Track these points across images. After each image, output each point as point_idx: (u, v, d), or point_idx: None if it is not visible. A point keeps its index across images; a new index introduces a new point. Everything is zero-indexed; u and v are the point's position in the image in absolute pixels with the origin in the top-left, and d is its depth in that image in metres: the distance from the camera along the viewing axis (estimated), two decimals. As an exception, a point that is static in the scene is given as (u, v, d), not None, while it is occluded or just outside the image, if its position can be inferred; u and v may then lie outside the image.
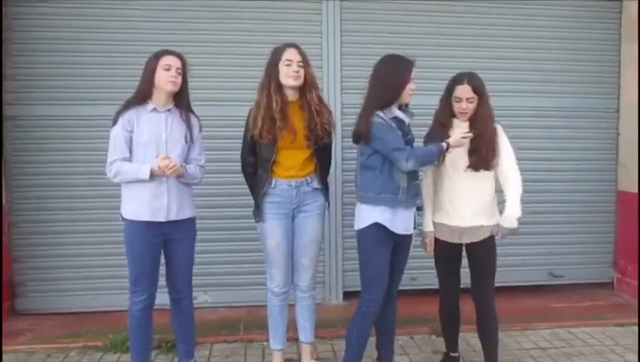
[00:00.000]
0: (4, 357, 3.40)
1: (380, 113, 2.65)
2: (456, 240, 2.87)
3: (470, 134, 2.70)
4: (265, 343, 3.42)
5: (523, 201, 4.38)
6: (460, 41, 4.40)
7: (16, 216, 4.08)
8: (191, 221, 2.89)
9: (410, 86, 2.70)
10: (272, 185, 2.89)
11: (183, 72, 2.77)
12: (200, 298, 4.11)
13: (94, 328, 3.76)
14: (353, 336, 2.79)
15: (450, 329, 3.10)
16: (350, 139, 2.83)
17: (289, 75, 2.80)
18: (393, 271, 2.81)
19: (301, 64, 2.82)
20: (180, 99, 2.80)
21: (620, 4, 4.57)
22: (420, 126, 2.96)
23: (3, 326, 3.79)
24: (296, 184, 2.90)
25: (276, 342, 3.09)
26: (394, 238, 2.73)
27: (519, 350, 3.51)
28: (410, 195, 2.73)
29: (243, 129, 2.95)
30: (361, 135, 2.68)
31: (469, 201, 2.80)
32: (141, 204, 2.71)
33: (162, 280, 2.88)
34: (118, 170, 2.70)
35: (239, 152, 3.01)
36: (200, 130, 2.91)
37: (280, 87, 2.83)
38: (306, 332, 3.11)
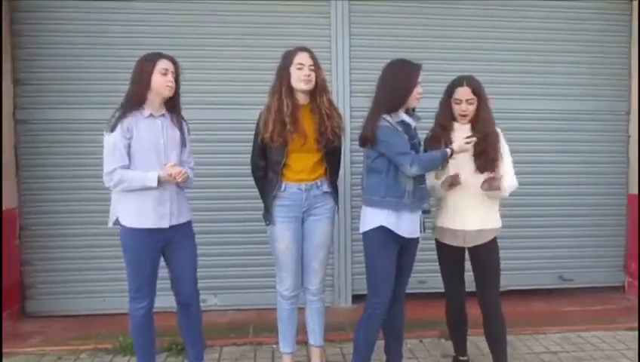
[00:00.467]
0: (15, 358, 3.42)
1: (387, 117, 2.65)
2: (460, 244, 2.86)
3: (474, 138, 2.69)
4: (274, 346, 3.43)
5: (532, 204, 4.43)
6: (468, 43, 4.39)
7: (26, 219, 4.11)
8: (188, 224, 2.88)
9: (418, 90, 2.70)
10: (282, 189, 2.89)
11: (177, 77, 2.75)
12: (209, 301, 4.12)
13: (104, 330, 3.78)
14: (360, 339, 2.79)
15: (457, 333, 3.10)
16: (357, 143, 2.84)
17: (300, 79, 2.80)
18: (400, 274, 2.81)
19: (312, 68, 2.82)
20: (173, 104, 2.79)
21: (630, 5, 4.54)
22: (425, 129, 2.96)
23: (14, 329, 3.83)
24: (306, 187, 2.90)
25: (286, 345, 3.09)
26: (400, 241, 2.72)
27: (530, 354, 3.49)
28: (417, 199, 2.72)
29: (253, 132, 2.95)
30: (367, 138, 2.68)
31: (472, 205, 2.80)
32: (144, 211, 2.68)
33: (167, 283, 2.87)
34: (121, 179, 2.64)
35: (249, 155, 3.01)
36: (189, 133, 2.90)
37: (291, 90, 2.84)
38: (315, 336, 3.10)
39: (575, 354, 3.50)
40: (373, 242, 2.73)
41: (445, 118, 2.85)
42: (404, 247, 2.77)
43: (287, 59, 2.84)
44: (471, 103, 2.78)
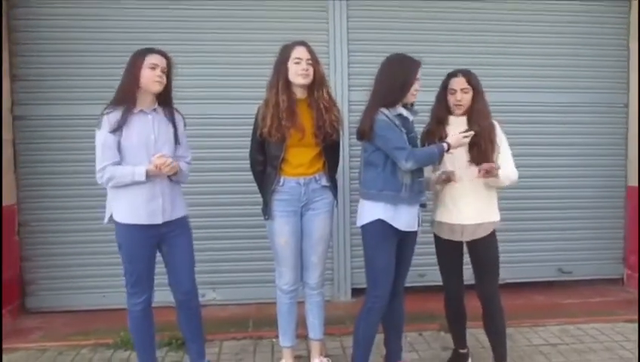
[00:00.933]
0: (16, 354, 3.43)
1: (384, 111, 2.65)
2: (458, 238, 2.87)
3: (471, 132, 2.69)
4: (274, 340, 3.44)
5: (531, 197, 4.43)
6: (466, 36, 4.38)
7: (26, 215, 4.11)
8: (184, 219, 2.86)
9: (415, 86, 2.70)
10: (281, 183, 2.89)
11: (168, 72, 2.73)
12: (209, 295, 4.13)
13: (105, 326, 3.78)
14: (360, 333, 2.80)
15: (456, 326, 3.10)
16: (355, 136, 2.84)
17: (298, 74, 2.80)
18: (399, 267, 2.81)
19: (310, 62, 2.81)
20: (164, 99, 2.76)
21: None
22: (423, 123, 2.96)
23: (14, 325, 3.84)
24: (305, 181, 2.90)
25: (286, 339, 3.10)
26: (398, 234, 2.73)
27: (529, 346, 3.50)
28: (414, 193, 2.72)
29: (252, 127, 2.95)
30: (365, 132, 2.68)
31: (470, 199, 2.79)
32: (136, 207, 2.67)
33: (166, 278, 2.87)
34: (111, 175, 2.63)
35: (248, 150, 3.01)
36: (184, 127, 2.88)
37: (289, 85, 2.83)
38: (315, 329, 3.11)
39: (574, 346, 3.51)
40: (372, 235, 2.73)
41: (441, 111, 2.85)
42: (403, 240, 2.77)
43: (284, 54, 2.83)
44: (466, 92, 2.78)
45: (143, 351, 2.86)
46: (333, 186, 3.03)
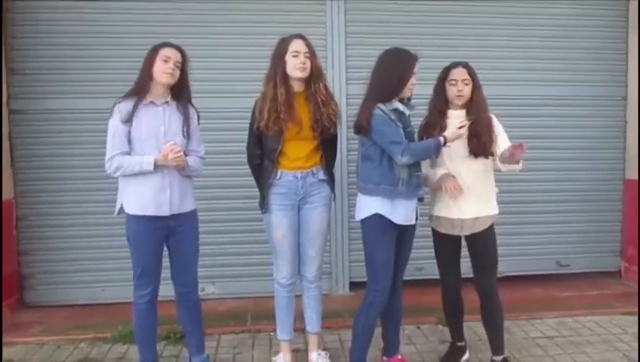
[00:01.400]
0: (15, 348, 3.43)
1: (381, 105, 2.64)
2: (457, 233, 2.86)
3: (466, 122, 2.67)
4: (272, 333, 3.44)
5: (529, 190, 4.43)
6: (464, 30, 4.37)
7: (23, 210, 4.10)
8: (192, 213, 2.87)
9: (412, 81, 2.69)
10: (278, 177, 2.89)
11: (183, 66, 2.74)
12: (207, 289, 4.14)
13: (103, 320, 3.79)
14: (359, 327, 2.80)
15: (454, 319, 3.10)
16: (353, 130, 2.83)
17: (296, 67, 2.78)
18: (398, 261, 2.81)
19: (308, 55, 2.80)
20: (179, 92, 2.77)
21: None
22: (420, 117, 2.94)
23: (13, 319, 3.84)
24: (302, 175, 2.90)
25: (283, 332, 3.10)
26: (396, 228, 2.73)
27: (526, 339, 3.51)
28: (412, 187, 2.72)
29: (249, 120, 2.94)
30: (362, 126, 2.68)
31: (469, 192, 2.77)
32: (144, 199, 2.69)
33: (168, 272, 2.88)
34: (119, 164, 2.66)
35: (245, 144, 3.00)
36: (198, 122, 2.89)
37: (286, 78, 2.82)
38: (312, 323, 3.12)
39: (571, 338, 3.52)
40: (370, 230, 2.73)
41: (440, 103, 2.84)
42: (402, 234, 2.77)
43: (282, 47, 2.82)
44: (467, 84, 2.77)
45: (145, 345, 2.87)
46: (331, 180, 3.03)
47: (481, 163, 2.79)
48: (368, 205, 2.71)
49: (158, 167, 2.66)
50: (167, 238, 2.81)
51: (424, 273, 4.16)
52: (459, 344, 3.14)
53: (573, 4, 4.50)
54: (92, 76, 4.06)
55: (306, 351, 3.23)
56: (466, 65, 2.81)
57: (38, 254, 4.15)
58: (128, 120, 2.65)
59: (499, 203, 2.91)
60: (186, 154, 2.78)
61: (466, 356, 3.16)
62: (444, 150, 2.73)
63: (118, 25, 4.07)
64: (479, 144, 2.74)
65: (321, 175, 2.95)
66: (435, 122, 2.82)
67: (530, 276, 4.55)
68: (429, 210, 2.95)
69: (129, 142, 2.67)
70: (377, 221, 2.69)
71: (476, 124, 2.72)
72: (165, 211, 2.72)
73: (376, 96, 2.66)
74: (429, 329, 3.68)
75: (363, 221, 2.75)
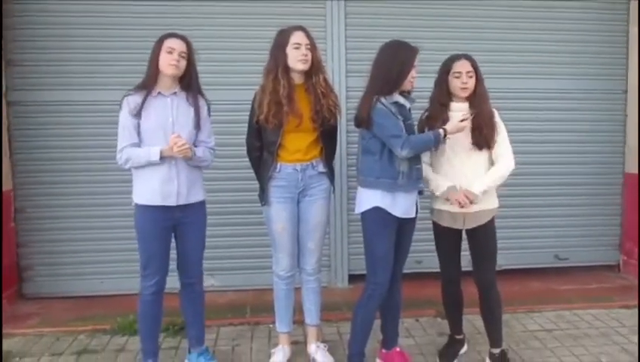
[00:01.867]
0: (14, 340, 3.44)
1: (382, 98, 2.63)
2: (459, 226, 2.85)
3: (468, 115, 2.68)
4: (271, 326, 3.45)
5: (528, 183, 4.41)
6: (464, 22, 4.35)
7: (21, 202, 4.10)
8: (201, 204, 2.87)
9: (413, 74, 2.68)
10: (277, 169, 2.88)
11: (189, 55, 2.73)
12: (207, 281, 4.09)
13: (102, 312, 3.80)
14: (359, 319, 2.80)
15: (453, 312, 3.11)
16: (353, 123, 2.82)
17: (298, 59, 2.77)
18: (398, 254, 2.81)
19: (309, 47, 2.79)
20: (187, 83, 2.77)
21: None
22: (420, 110, 2.93)
23: (11, 310, 3.85)
24: (302, 168, 2.89)
25: (282, 324, 3.11)
26: (397, 221, 2.72)
27: (524, 332, 3.52)
28: (413, 180, 2.72)
29: (248, 113, 2.93)
30: (362, 119, 2.67)
31: (470, 185, 2.76)
32: (152, 189, 2.70)
33: (172, 264, 2.88)
34: (128, 156, 2.68)
35: (244, 136, 2.99)
36: (209, 113, 2.88)
37: (287, 70, 2.80)
38: (311, 315, 3.13)
39: (569, 331, 3.53)
40: (371, 223, 2.73)
41: (443, 96, 2.81)
42: (402, 227, 2.77)
43: (282, 39, 2.80)
44: (470, 76, 2.76)
45: (147, 336, 2.87)
46: (330, 172, 3.03)
47: (483, 155, 2.79)
48: (369, 198, 2.71)
49: (164, 158, 2.66)
50: (174, 229, 2.81)
51: (423, 266, 4.17)
52: (457, 337, 3.15)
53: (573, -2, 4.49)
54: (91, 68, 4.05)
55: (305, 343, 3.23)
56: (469, 58, 2.79)
57: (36, 246, 4.15)
58: (137, 114, 2.66)
59: (498, 196, 2.91)
60: (195, 145, 2.78)
61: (464, 349, 3.18)
62: (449, 142, 2.72)
63: (117, 16, 4.05)
64: (482, 136, 2.74)
65: (321, 167, 2.94)
66: (437, 115, 2.80)
67: (528, 269, 4.56)
68: (430, 203, 2.95)
69: (139, 133, 2.69)
70: (377, 214, 2.68)
71: (479, 116, 2.72)
72: (172, 201, 2.72)
73: (376, 89, 2.65)
74: (428, 321, 3.69)
75: (363, 214, 2.75)
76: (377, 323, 2.96)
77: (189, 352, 3.05)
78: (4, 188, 3.91)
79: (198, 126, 2.79)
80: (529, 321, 3.69)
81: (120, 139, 2.71)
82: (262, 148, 2.93)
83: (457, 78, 2.76)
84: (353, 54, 4.21)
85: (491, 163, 2.84)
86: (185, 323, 3.07)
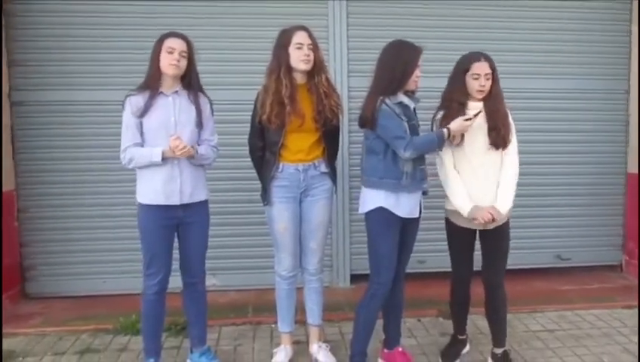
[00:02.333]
0: (16, 339, 3.45)
1: (386, 99, 2.63)
2: (477, 227, 2.79)
3: (472, 116, 2.65)
4: (273, 326, 3.45)
5: (530, 183, 4.41)
6: (469, 22, 4.34)
7: (25, 202, 4.10)
8: (204, 204, 2.88)
9: (417, 73, 2.67)
10: (280, 169, 2.89)
11: (189, 54, 2.74)
12: (209, 281, 4.09)
13: (104, 311, 3.80)
14: (361, 319, 2.80)
15: (459, 314, 3.09)
16: (357, 123, 2.82)
17: (300, 59, 2.77)
18: (401, 254, 2.81)
19: (311, 47, 2.79)
20: (188, 81, 2.77)
21: (631, -17, 4.50)
22: (426, 110, 2.92)
23: (14, 310, 3.86)
24: (304, 168, 2.89)
25: (284, 324, 3.11)
26: (400, 221, 2.72)
27: (527, 332, 3.52)
28: (416, 180, 2.72)
29: (250, 113, 2.93)
30: (366, 120, 2.67)
31: (491, 187, 2.74)
32: (155, 188, 2.71)
33: (175, 264, 2.89)
34: (131, 156, 2.69)
35: (247, 136, 3.00)
36: (211, 111, 2.89)
37: (290, 70, 2.80)
38: (313, 315, 3.13)
39: (572, 331, 3.53)
40: (374, 223, 2.73)
41: (462, 94, 2.74)
42: (405, 227, 2.77)
43: (284, 39, 2.80)
44: (488, 78, 2.71)
45: (149, 335, 2.88)
46: (333, 173, 3.03)
47: (499, 155, 2.75)
48: (372, 198, 2.71)
49: (166, 158, 2.67)
50: (177, 228, 2.82)
51: (426, 266, 4.17)
52: (460, 337, 3.14)
53: (576, -2, 4.48)
54: (94, 68, 4.05)
55: (307, 343, 3.23)
56: (488, 58, 2.73)
57: (39, 246, 4.15)
58: (140, 115, 2.67)
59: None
60: (198, 143, 2.79)
61: (466, 349, 3.18)
62: (466, 142, 2.70)
63: (120, 16, 4.05)
64: (499, 136, 2.71)
65: (323, 168, 2.95)
66: (454, 114, 2.71)
67: (530, 269, 4.55)
68: (446, 203, 2.89)
69: (142, 133, 2.70)
70: (381, 214, 2.68)
71: (495, 116, 2.70)
72: (175, 201, 2.73)
73: (380, 89, 2.65)
74: (430, 321, 3.69)
75: (367, 214, 2.75)
76: (380, 322, 2.96)
77: (191, 352, 3.06)
78: (8, 188, 3.92)
79: (200, 124, 2.79)
80: (531, 321, 3.69)
81: (123, 139, 2.71)
82: (264, 148, 2.93)
83: (476, 79, 2.70)
84: (355, 54, 4.21)
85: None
86: (187, 322, 3.08)
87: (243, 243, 4.27)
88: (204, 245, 2.92)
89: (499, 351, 2.99)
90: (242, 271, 4.29)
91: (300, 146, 2.87)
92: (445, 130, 2.64)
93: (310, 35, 2.81)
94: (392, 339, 3.02)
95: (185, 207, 2.76)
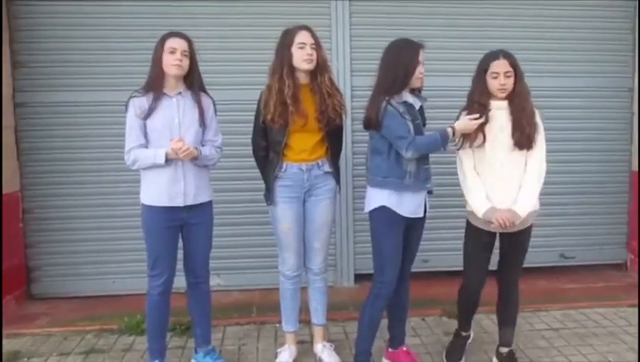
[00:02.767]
0: (23, 339, 3.46)
1: (390, 99, 2.62)
2: (499, 230, 2.71)
3: (480, 119, 2.62)
4: (277, 325, 3.45)
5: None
6: (473, 20, 4.33)
7: (29, 202, 4.12)
8: (208, 205, 2.88)
9: (420, 70, 2.65)
10: (283, 169, 2.89)
11: (191, 54, 2.74)
12: (213, 281, 4.09)
13: (109, 311, 3.81)
14: (366, 318, 2.80)
15: (465, 315, 3.03)
16: (360, 122, 2.82)
17: (303, 59, 2.77)
18: (406, 254, 2.81)
19: (314, 47, 2.78)
20: (191, 82, 2.77)
21: (635, -19, 4.48)
22: (432, 108, 2.91)
23: (20, 310, 3.88)
24: (307, 167, 2.89)
25: (289, 324, 3.12)
26: (404, 221, 2.72)
27: (532, 331, 3.52)
28: (420, 180, 2.71)
29: (254, 113, 2.94)
30: (371, 122, 2.67)
31: (512, 189, 2.68)
32: (159, 190, 2.71)
33: (179, 264, 2.90)
34: (135, 158, 2.69)
35: (250, 136, 3.00)
36: (215, 111, 2.89)
37: (293, 70, 2.80)
38: (318, 315, 3.13)
39: (576, 330, 3.52)
40: (378, 222, 2.73)
41: (483, 96, 2.68)
42: (410, 227, 2.77)
43: (287, 38, 2.80)
44: (508, 76, 2.64)
45: (154, 335, 2.88)
46: (336, 172, 3.02)
47: (523, 155, 2.68)
48: (376, 197, 2.71)
49: (170, 160, 2.67)
50: (181, 229, 2.82)
51: (430, 265, 4.16)
52: (464, 333, 3.10)
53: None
54: (98, 69, 4.06)
55: (311, 342, 3.23)
56: (507, 55, 2.66)
57: (44, 246, 4.17)
58: (144, 117, 2.67)
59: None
60: (202, 144, 2.79)
61: (470, 339, 3.13)
62: (489, 142, 2.65)
63: (123, 17, 4.06)
64: (523, 136, 2.63)
65: (327, 167, 2.95)
66: (478, 114, 2.66)
67: (534, 268, 4.51)
68: (466, 204, 2.79)
69: (145, 135, 2.70)
70: (385, 213, 2.68)
71: (520, 115, 2.64)
72: (179, 202, 2.73)
73: (384, 89, 2.64)
74: (434, 321, 3.68)
75: (371, 213, 2.75)
76: (384, 322, 2.96)
77: (196, 352, 3.06)
78: (13, 189, 3.94)
79: (203, 125, 2.79)
80: (536, 320, 3.68)
81: (127, 141, 2.72)
82: (268, 147, 2.93)
83: (495, 78, 2.65)
84: (358, 53, 4.21)
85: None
86: (191, 322, 3.08)
87: (247, 243, 4.27)
88: (208, 246, 2.92)
89: (505, 350, 2.99)
90: (246, 271, 4.30)
91: (303, 146, 2.87)
92: (450, 129, 2.63)
93: (313, 35, 2.81)
94: (396, 339, 3.01)
95: (189, 208, 2.76)
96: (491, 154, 2.69)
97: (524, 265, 4.34)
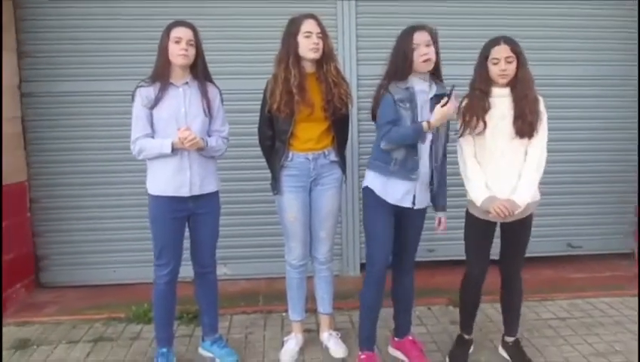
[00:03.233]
0: (32, 327, 3.50)
1: (392, 87, 2.61)
2: (498, 220, 2.71)
3: (446, 101, 2.51)
4: (284, 314, 3.48)
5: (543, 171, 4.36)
6: (478, 8, 4.30)
7: (36, 192, 4.14)
8: (215, 195, 2.89)
9: (420, 52, 2.56)
10: (289, 158, 2.89)
11: (197, 43, 2.72)
12: (219, 270, 4.11)
13: (117, 300, 3.85)
14: (362, 304, 2.85)
15: (469, 308, 2.98)
16: (366, 112, 2.82)
17: (309, 48, 2.75)
18: (404, 243, 2.83)
19: (320, 35, 2.77)
20: (196, 71, 2.76)
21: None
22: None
23: (29, 299, 3.91)
24: (314, 157, 2.89)
25: (295, 313, 3.13)
26: (393, 208, 2.71)
27: (538, 320, 3.52)
28: (406, 169, 2.66)
29: (260, 102, 2.93)
30: (373, 110, 2.74)
31: (512, 178, 2.65)
32: (165, 180, 2.72)
33: (186, 253, 2.91)
34: (141, 147, 2.70)
35: (256, 125, 3.00)
36: (222, 101, 2.88)
37: (299, 59, 2.79)
38: (324, 304, 3.14)
39: (583, 320, 3.52)
40: (364, 201, 2.80)
41: (483, 83, 2.64)
42: (402, 216, 2.75)
43: (293, 27, 2.78)
44: (509, 62, 2.59)
45: (161, 324, 2.91)
46: (342, 162, 3.02)
47: (524, 144, 2.65)
48: (366, 178, 2.78)
49: (176, 150, 2.67)
50: (188, 219, 2.83)
51: (435, 254, 4.17)
52: (467, 337, 3.04)
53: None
54: (105, 59, 4.06)
55: (318, 331, 3.26)
56: (508, 41, 2.60)
57: (52, 236, 4.20)
58: (151, 107, 2.67)
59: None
60: (209, 134, 2.79)
61: (471, 350, 3.07)
62: (489, 130, 2.62)
63: (128, 6, 4.05)
64: (525, 124, 2.59)
65: (333, 156, 2.94)
66: (476, 102, 2.64)
67: (541, 257, 4.52)
68: (466, 193, 2.77)
69: (152, 124, 2.71)
70: (369, 194, 2.74)
71: (522, 102, 2.60)
72: (185, 192, 2.74)
73: (388, 76, 2.64)
74: (440, 310, 3.69)
75: (362, 193, 2.83)
76: (390, 311, 2.97)
77: (203, 340, 3.09)
78: (20, 179, 3.97)
79: (210, 115, 2.79)
80: (542, 309, 3.68)
81: (133, 130, 2.72)
82: (274, 137, 2.93)
83: (495, 64, 2.60)
84: (364, 42, 4.19)
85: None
86: (199, 311, 3.11)
87: (253, 233, 4.29)
88: (214, 235, 2.93)
89: (510, 339, 2.99)
90: (253, 260, 4.32)
91: (309, 135, 2.87)
92: (425, 123, 2.56)
93: (319, 24, 2.79)
94: (402, 328, 3.02)
95: (195, 198, 2.77)
96: (492, 142, 2.66)
97: (530, 255, 4.35)
